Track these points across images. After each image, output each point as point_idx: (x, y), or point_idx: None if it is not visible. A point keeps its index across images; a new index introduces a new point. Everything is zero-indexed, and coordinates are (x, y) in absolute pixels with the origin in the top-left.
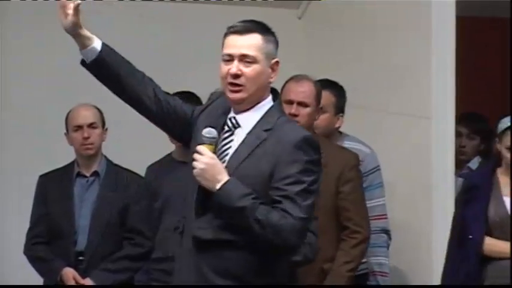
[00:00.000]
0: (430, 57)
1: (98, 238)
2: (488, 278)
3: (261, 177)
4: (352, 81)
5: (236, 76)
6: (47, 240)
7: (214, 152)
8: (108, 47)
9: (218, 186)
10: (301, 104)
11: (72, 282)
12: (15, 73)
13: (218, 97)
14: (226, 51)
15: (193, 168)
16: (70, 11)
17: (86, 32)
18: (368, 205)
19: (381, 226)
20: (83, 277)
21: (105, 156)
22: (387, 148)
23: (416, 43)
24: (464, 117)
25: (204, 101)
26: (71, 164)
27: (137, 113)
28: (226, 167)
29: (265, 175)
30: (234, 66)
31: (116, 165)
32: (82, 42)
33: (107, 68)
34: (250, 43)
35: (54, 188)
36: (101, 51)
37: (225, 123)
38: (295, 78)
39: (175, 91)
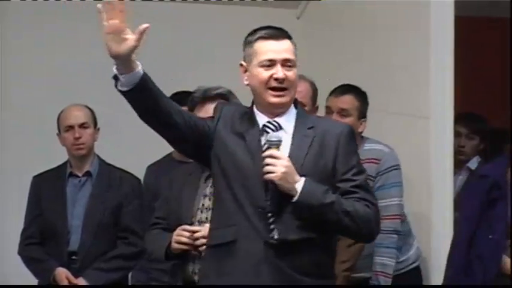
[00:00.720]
0: (429, 57)
1: (91, 238)
2: None
3: (326, 172)
4: (351, 81)
5: (282, 80)
6: (40, 241)
7: None
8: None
9: (299, 187)
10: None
11: (65, 282)
12: (15, 73)
13: (221, 106)
14: (266, 56)
15: (268, 172)
16: (129, 36)
17: (133, 56)
18: (380, 204)
19: (392, 227)
20: (76, 277)
21: (98, 156)
22: None
23: (415, 43)
24: (463, 117)
25: None
26: (64, 164)
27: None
28: None
29: (329, 169)
30: (279, 71)
31: (108, 164)
32: (130, 66)
33: (149, 91)
34: (287, 48)
35: (47, 188)
36: (143, 74)
37: (264, 127)
38: None
39: (176, 91)
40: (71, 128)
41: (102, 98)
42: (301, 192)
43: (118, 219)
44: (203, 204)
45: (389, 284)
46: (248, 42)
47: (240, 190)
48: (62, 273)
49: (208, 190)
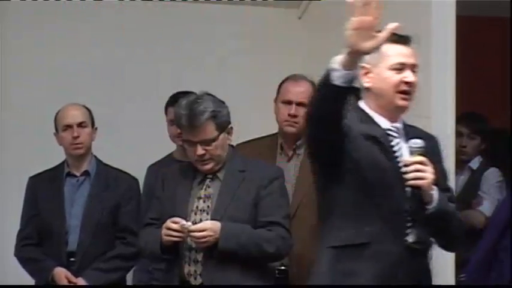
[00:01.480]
0: (430, 56)
1: (89, 238)
2: None
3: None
4: None
5: (412, 84)
6: (37, 242)
7: None
8: None
9: (436, 195)
10: (300, 104)
11: (65, 282)
12: (15, 73)
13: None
14: (399, 60)
15: (417, 178)
16: (377, 34)
17: None
18: None
19: None
20: (76, 277)
21: (95, 156)
22: None
23: (416, 43)
24: (464, 117)
25: None
26: (61, 164)
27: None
28: None
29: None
30: (411, 75)
31: (106, 164)
32: (357, 63)
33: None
34: (415, 54)
35: (44, 189)
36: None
37: (389, 132)
38: (293, 78)
39: (176, 91)
40: (69, 127)
41: (102, 98)
42: (438, 200)
43: (116, 219)
44: (197, 207)
45: None
46: None
47: (377, 192)
48: (61, 273)
49: (203, 193)
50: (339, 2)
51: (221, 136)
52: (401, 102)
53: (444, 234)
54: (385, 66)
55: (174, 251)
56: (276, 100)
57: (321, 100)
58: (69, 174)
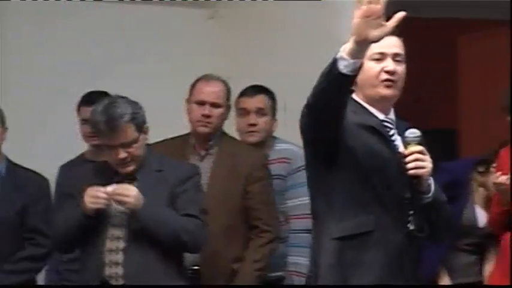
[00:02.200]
0: None
1: None
2: None
3: None
4: (264, 80)
5: (393, 73)
6: None
7: None
8: None
9: (432, 184)
10: (213, 104)
11: None
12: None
13: None
14: (378, 49)
15: (419, 168)
16: (384, 22)
17: None
18: (290, 204)
19: (303, 226)
20: None
21: (6, 157)
22: None
23: None
24: None
25: None
26: None
27: None
28: None
29: None
30: (391, 64)
31: (16, 164)
32: (365, 52)
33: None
34: (398, 43)
35: None
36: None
37: (384, 123)
38: (205, 78)
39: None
40: None
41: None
42: (434, 189)
43: (25, 220)
44: (115, 209)
45: (304, 283)
46: None
47: (378, 181)
48: None
49: None
50: (250, 2)
51: (141, 137)
52: (384, 91)
53: (433, 224)
54: (365, 57)
55: (96, 219)
56: (188, 100)
57: (326, 88)
58: None
